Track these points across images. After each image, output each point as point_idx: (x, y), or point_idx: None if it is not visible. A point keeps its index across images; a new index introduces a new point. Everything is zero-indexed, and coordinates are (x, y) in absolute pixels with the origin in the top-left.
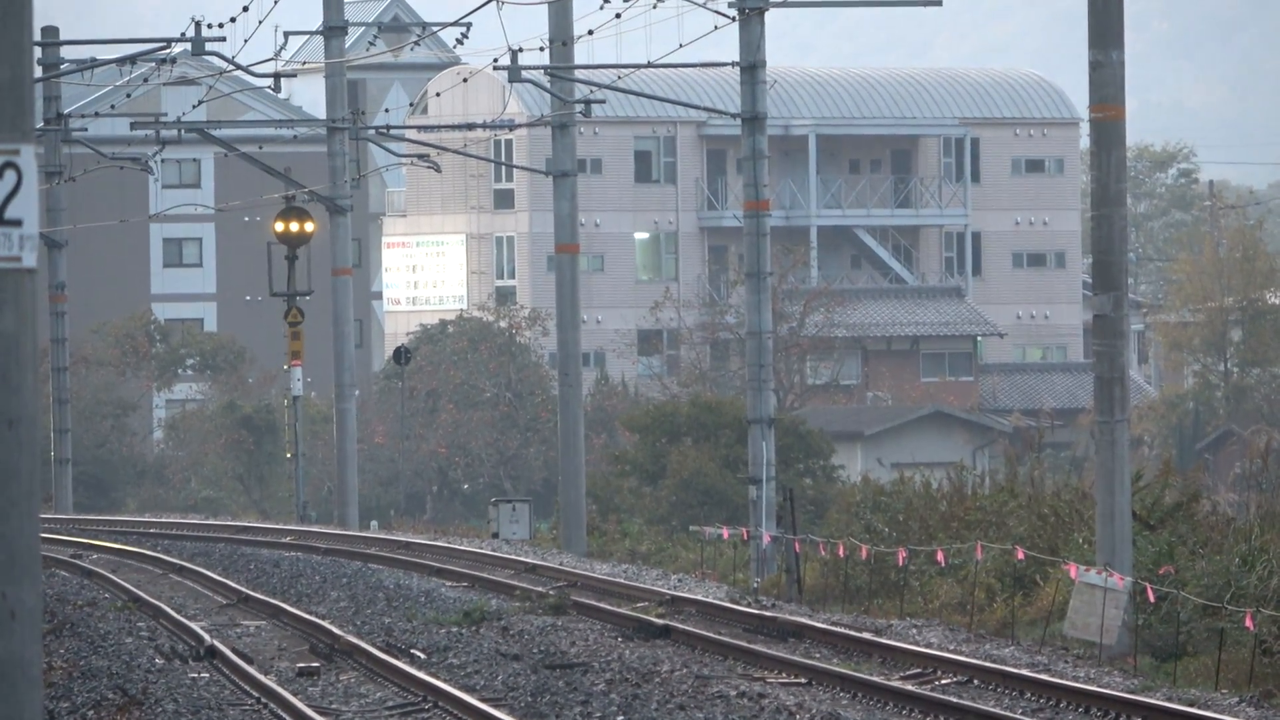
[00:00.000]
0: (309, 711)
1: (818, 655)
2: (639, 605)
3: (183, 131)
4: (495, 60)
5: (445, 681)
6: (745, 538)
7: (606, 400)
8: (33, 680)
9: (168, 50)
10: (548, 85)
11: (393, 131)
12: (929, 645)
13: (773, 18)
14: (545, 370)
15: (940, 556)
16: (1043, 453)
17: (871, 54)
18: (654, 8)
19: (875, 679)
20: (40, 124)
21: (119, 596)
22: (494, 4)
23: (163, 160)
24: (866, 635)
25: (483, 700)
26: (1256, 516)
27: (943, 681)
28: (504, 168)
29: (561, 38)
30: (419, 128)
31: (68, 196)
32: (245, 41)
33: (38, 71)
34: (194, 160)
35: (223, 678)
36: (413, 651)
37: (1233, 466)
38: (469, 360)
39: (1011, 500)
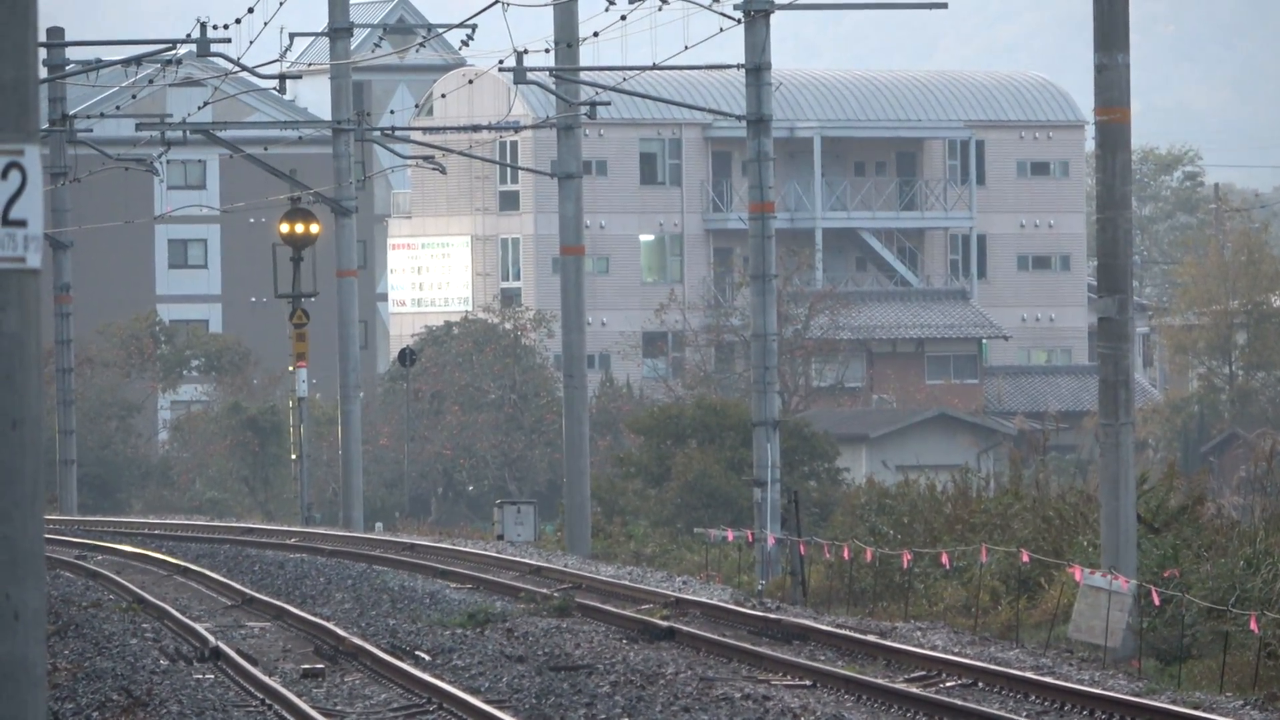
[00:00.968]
0: (313, 713)
1: (822, 658)
2: (644, 607)
3: (188, 133)
4: (500, 62)
5: (450, 683)
6: (750, 540)
7: (611, 402)
8: (37, 681)
9: (173, 51)
10: (553, 87)
11: (398, 133)
12: (934, 648)
13: (778, 20)
14: (550, 372)
15: (945, 559)
16: (1047, 455)
17: (876, 56)
18: (659, 10)
19: (880, 681)
20: (45, 125)
21: (124, 598)
22: (499, 6)
23: (168, 161)
24: (871, 638)
25: (487, 702)
26: (1261, 519)
27: (947, 684)
28: (509, 169)
29: (566, 39)
30: (424, 129)
31: (73, 197)
32: (250, 43)
33: (43, 72)
34: (199, 161)
35: (227, 679)
36: (417, 653)
37: (1237, 469)
38: (474, 362)
39: (1016, 503)
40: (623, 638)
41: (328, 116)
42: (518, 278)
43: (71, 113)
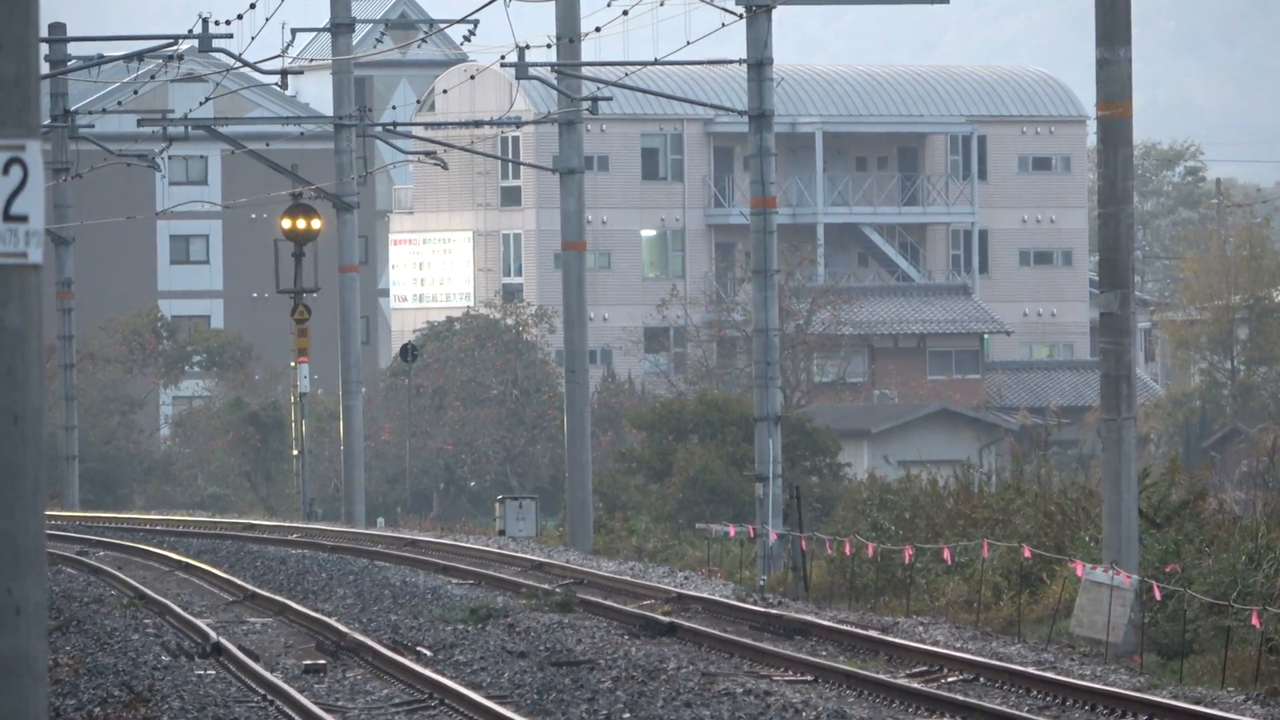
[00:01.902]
0: (315, 709)
1: (824, 653)
2: (645, 603)
3: (190, 128)
4: (502, 57)
5: (451, 679)
6: (751, 535)
7: (613, 398)
8: (38, 676)
9: (175, 47)
10: (555, 82)
11: (400, 129)
12: (935, 643)
13: (779, 15)
14: (552, 367)
15: (947, 554)
16: (1049, 450)
17: (878, 51)
18: (661, 5)
19: (881, 677)
20: (47, 120)
21: (125, 593)
22: (501, 1)
23: (169, 157)
24: (873, 633)
25: (489, 698)
26: (1263, 514)
27: (949, 679)
28: (511, 165)
29: (568, 35)
30: (426, 125)
31: (75, 193)
32: (252, 38)
33: (45, 68)
34: (201, 157)
35: (229, 675)
36: (419, 649)
37: (1239, 464)
38: (475, 357)
39: (1018, 498)
40: (624, 633)
41: (329, 112)
42: (519, 273)
43: (73, 108)
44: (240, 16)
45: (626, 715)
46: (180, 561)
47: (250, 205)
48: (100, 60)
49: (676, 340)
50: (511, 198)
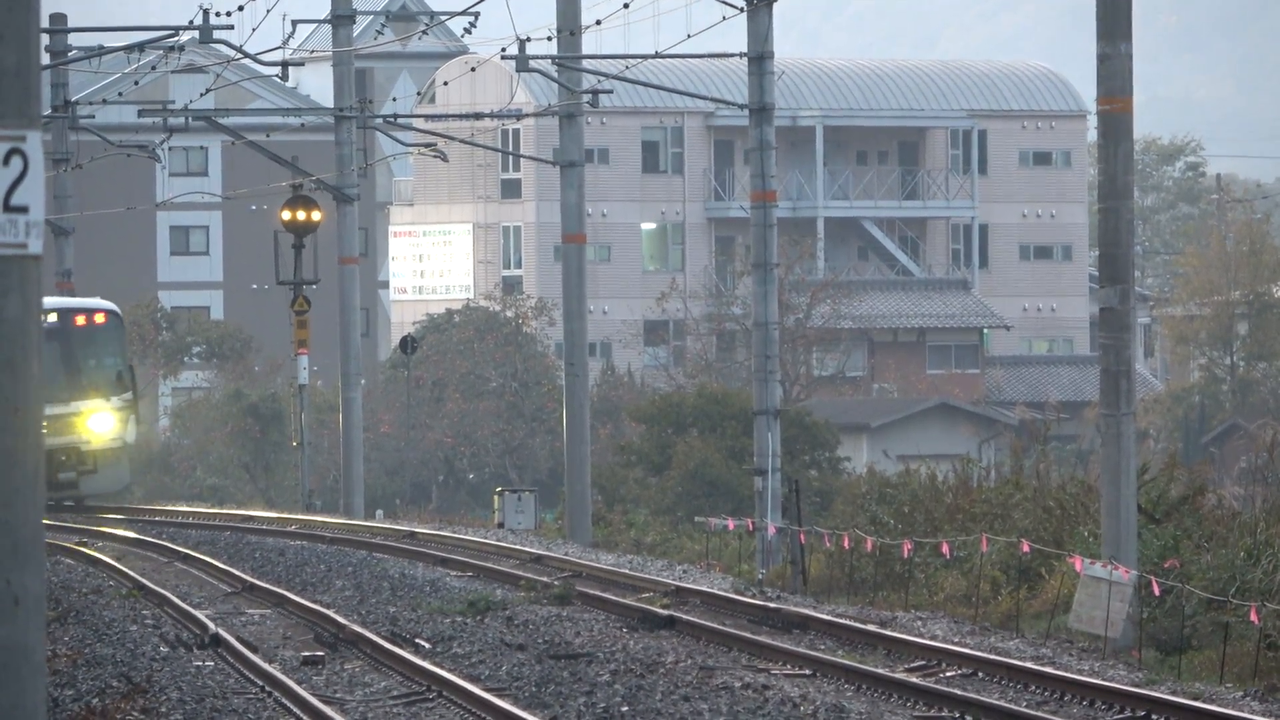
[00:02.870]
0: (313, 700)
1: (822, 647)
2: (644, 596)
3: (190, 119)
4: (503, 50)
5: (450, 671)
6: (750, 529)
7: (612, 391)
8: (36, 667)
9: (175, 38)
10: (555, 75)
11: (400, 120)
12: (934, 637)
13: (780, 9)
14: (551, 360)
15: (945, 549)
16: (1048, 445)
17: (879, 45)
18: None
19: (880, 671)
20: (48, 111)
21: (124, 584)
22: None
23: (170, 148)
24: (871, 627)
25: (487, 690)
26: (1262, 510)
27: (947, 674)
28: (511, 157)
29: (569, 27)
30: (426, 117)
31: (75, 184)
32: (253, 30)
33: (46, 58)
34: (201, 148)
35: (227, 666)
36: (417, 641)
37: (1238, 460)
38: (475, 350)
39: (1017, 493)
40: (623, 626)
41: (330, 104)
42: (519, 265)
43: (74, 99)
44: (241, 8)
45: (625, 708)
46: (179, 552)
47: (250, 197)
48: (101, 51)
49: (676, 333)
50: (512, 190)
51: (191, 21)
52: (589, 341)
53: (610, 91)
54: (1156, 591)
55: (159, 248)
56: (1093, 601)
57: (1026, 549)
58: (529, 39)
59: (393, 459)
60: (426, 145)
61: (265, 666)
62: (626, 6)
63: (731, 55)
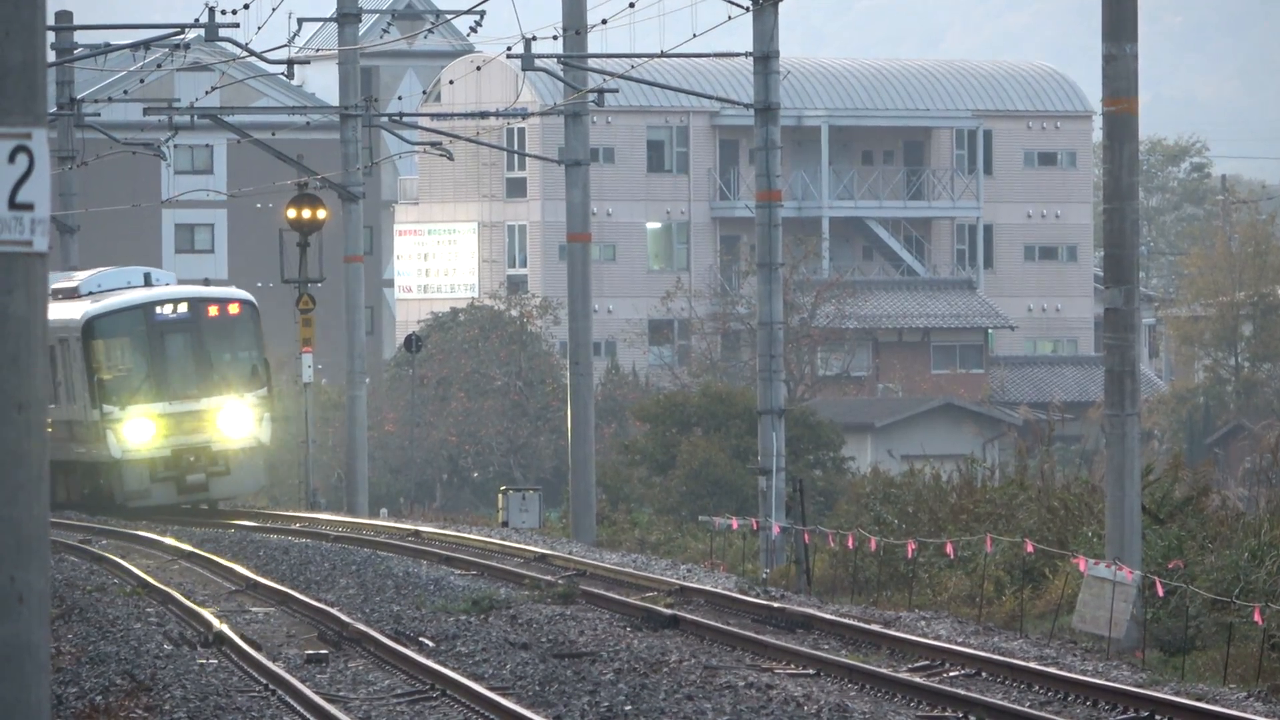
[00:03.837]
0: (317, 699)
1: (826, 646)
2: (648, 595)
3: (195, 117)
4: (509, 48)
5: (454, 670)
6: (754, 528)
7: (617, 390)
8: (41, 664)
9: (181, 36)
10: (561, 74)
11: (405, 119)
12: (937, 637)
13: (786, 8)
14: (556, 359)
15: (949, 549)
16: (1052, 446)
17: (884, 45)
18: None
19: (883, 670)
20: (53, 109)
21: (128, 582)
22: None
23: (175, 146)
24: (875, 627)
25: (491, 689)
26: (1266, 511)
27: (951, 674)
28: (516, 156)
29: (575, 26)
30: (432, 115)
31: (80, 181)
32: (259, 28)
33: (51, 56)
34: (206, 146)
35: (231, 664)
36: (421, 639)
37: (1243, 461)
38: (480, 348)
39: (1021, 493)
40: (626, 625)
41: (335, 102)
42: (524, 264)
43: (79, 96)
44: (247, 6)
45: (628, 707)
46: (183, 550)
47: (255, 194)
48: (106, 49)
49: (681, 333)
50: (517, 189)
51: (197, 19)
52: (594, 340)
53: (616, 90)
54: (1160, 592)
55: (164, 245)
56: (1096, 602)
57: (1030, 549)
58: (534, 38)
59: (397, 457)
60: (432, 144)
61: (269, 665)
62: (632, 6)
63: (737, 55)
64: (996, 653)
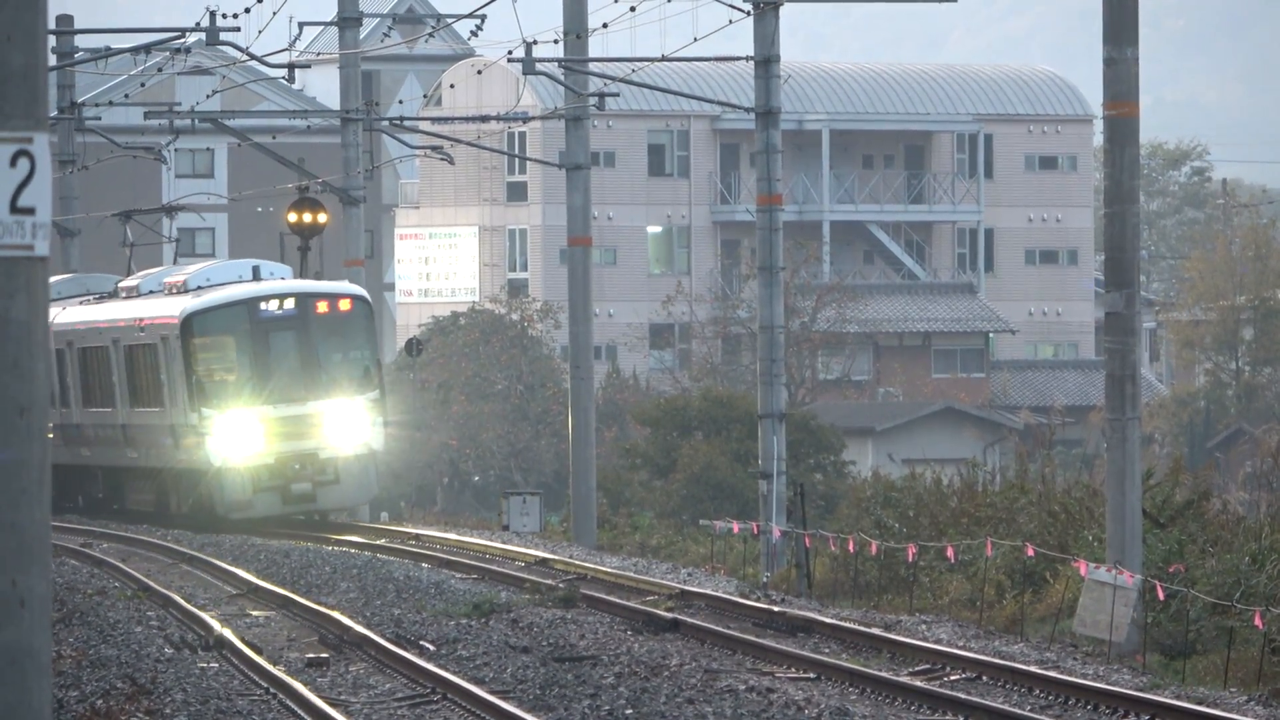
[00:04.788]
0: (318, 702)
1: (827, 650)
2: (648, 599)
3: (196, 121)
4: (509, 52)
5: (454, 673)
6: (755, 532)
7: (618, 393)
8: (42, 668)
9: (182, 40)
10: (561, 78)
11: (406, 123)
12: (938, 641)
13: (787, 12)
14: (557, 363)
15: (950, 552)
16: (1053, 450)
17: (886, 49)
18: (668, 1)
19: (884, 674)
20: (54, 112)
21: (129, 585)
22: None
23: (176, 150)
24: (876, 631)
25: (492, 693)
26: (1267, 515)
27: (952, 678)
28: (517, 160)
29: (576, 30)
30: (432, 119)
31: (81, 185)
32: (259, 32)
33: (52, 60)
34: (207, 150)
35: (232, 667)
36: (422, 643)
37: (1243, 465)
38: (480, 352)
39: (1022, 497)
40: (627, 629)
41: (336, 106)
42: (525, 268)
43: (80, 100)
44: (247, 10)
45: (629, 711)
46: (184, 554)
47: (256, 198)
48: (107, 53)
49: (681, 336)
50: (517, 193)
51: (198, 23)
52: (594, 344)
53: (616, 94)
54: (1161, 596)
55: (164, 249)
56: (1097, 606)
57: (1031, 553)
58: (535, 42)
59: (398, 461)
60: (432, 148)
61: (270, 668)
62: (633, 10)
63: (738, 59)
64: (997, 656)
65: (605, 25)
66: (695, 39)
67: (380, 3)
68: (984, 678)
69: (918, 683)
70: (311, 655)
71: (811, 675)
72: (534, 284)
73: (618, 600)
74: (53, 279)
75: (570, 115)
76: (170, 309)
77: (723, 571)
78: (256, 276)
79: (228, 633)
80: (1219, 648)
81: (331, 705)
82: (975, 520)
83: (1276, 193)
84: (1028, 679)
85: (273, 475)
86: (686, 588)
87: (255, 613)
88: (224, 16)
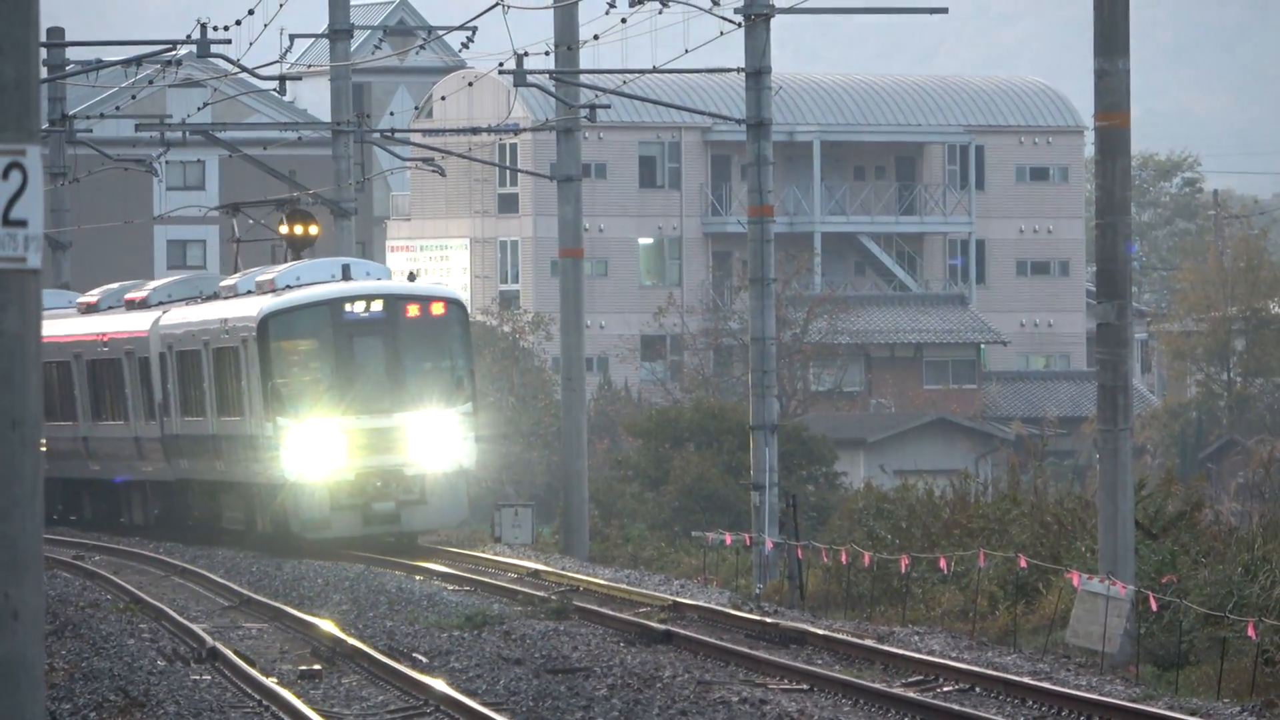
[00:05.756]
0: (311, 714)
1: (820, 662)
2: (641, 611)
3: (187, 133)
4: (500, 64)
5: (447, 685)
6: (748, 544)
7: (610, 405)
8: (35, 681)
9: (173, 52)
10: (553, 90)
11: (397, 135)
12: (931, 652)
13: (778, 24)
14: (548, 375)
15: (943, 564)
16: (1045, 461)
17: (877, 60)
18: (659, 13)
19: (877, 686)
20: (45, 125)
21: (121, 598)
22: (499, 8)
23: (167, 162)
24: (868, 642)
25: (484, 705)
26: (1259, 526)
27: (945, 689)
28: (508, 172)
29: (567, 42)
30: (424, 131)
31: (72, 197)
32: (250, 44)
33: (43, 72)
34: (198, 162)
35: (224, 680)
36: (414, 655)
37: (1235, 476)
38: None
39: (1014, 508)
40: (620, 641)
41: (327, 118)
42: (516, 280)
43: (71, 113)
44: (239, 22)
45: None
46: (176, 566)
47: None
48: (99, 65)
49: (673, 348)
50: (509, 205)
51: (189, 35)
52: (586, 356)
53: (608, 106)
54: (1154, 607)
55: (156, 261)
56: (1090, 617)
57: (1024, 564)
58: (526, 54)
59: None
60: (424, 160)
61: (263, 680)
62: (624, 22)
63: (729, 70)
64: (990, 668)
65: (596, 37)
66: (686, 51)
67: (371, 15)
68: (977, 689)
69: (911, 694)
70: (304, 667)
71: (804, 687)
72: (525, 296)
73: (610, 612)
74: (164, 281)
75: (561, 127)
76: (251, 309)
77: (715, 583)
78: (346, 275)
79: (220, 645)
80: (1212, 658)
81: (324, 717)
82: (968, 531)
83: (1267, 204)
84: (1021, 690)
85: (353, 493)
86: (679, 599)
87: (247, 625)
88: (215, 29)
